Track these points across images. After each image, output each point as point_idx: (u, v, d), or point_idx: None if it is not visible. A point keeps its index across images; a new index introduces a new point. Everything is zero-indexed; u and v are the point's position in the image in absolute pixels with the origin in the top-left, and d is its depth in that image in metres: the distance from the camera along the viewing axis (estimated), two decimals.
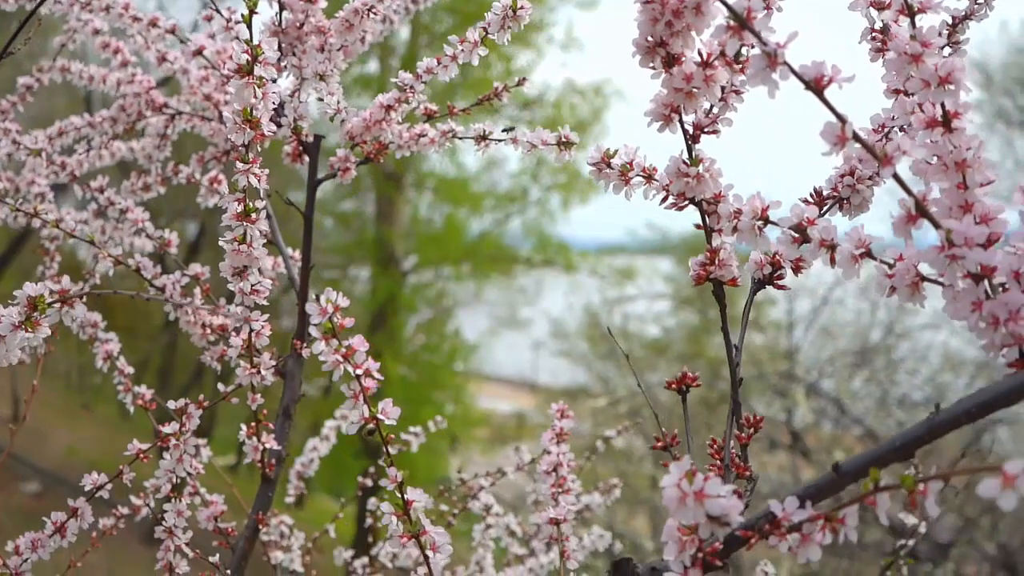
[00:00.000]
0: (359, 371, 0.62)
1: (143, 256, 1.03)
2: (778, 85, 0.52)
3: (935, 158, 0.55)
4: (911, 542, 1.11)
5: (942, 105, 0.54)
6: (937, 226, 0.52)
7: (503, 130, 0.92)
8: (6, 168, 1.27)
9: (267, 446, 0.98)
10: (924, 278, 0.55)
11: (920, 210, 0.52)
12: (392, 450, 0.68)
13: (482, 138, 0.94)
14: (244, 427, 0.98)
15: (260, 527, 1.00)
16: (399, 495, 0.66)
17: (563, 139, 0.83)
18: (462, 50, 0.88)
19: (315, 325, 0.62)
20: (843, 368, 6.09)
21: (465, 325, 11.63)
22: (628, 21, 0.61)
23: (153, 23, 1.12)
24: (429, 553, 0.65)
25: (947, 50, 0.67)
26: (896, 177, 0.52)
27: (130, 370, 1.11)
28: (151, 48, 1.15)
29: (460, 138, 0.95)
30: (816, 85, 0.51)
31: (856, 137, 0.51)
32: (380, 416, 0.64)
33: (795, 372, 5.38)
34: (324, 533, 1.51)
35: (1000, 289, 0.52)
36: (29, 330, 0.69)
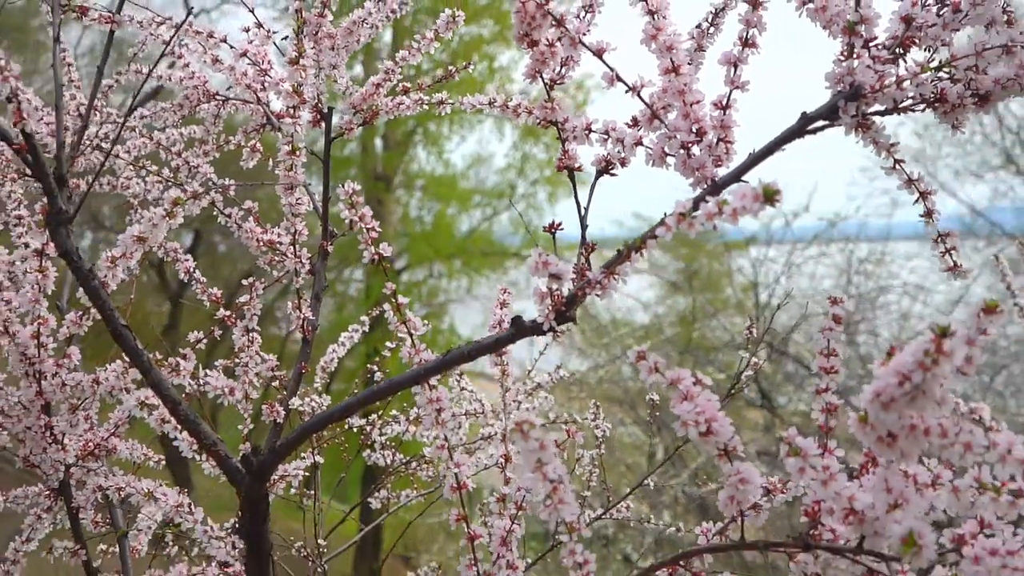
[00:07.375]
0: (368, 226, 1.11)
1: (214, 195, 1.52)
2: (579, 54, 1.00)
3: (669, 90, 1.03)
4: (750, 372, 1.60)
5: (671, 59, 1.02)
6: (662, 122, 1.00)
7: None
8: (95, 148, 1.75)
9: (306, 316, 1.46)
10: (667, 153, 1.03)
11: (654, 115, 1.00)
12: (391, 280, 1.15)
13: (442, 103, 1.44)
14: (289, 303, 1.46)
15: (303, 372, 1.48)
16: (394, 300, 1.14)
17: (492, 100, 1.31)
18: (425, 43, 1.38)
19: (341, 200, 1.10)
20: (809, 328, 6.58)
21: (459, 321, 12.09)
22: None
23: (210, 35, 1.60)
24: (412, 331, 1.13)
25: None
26: (643, 100, 1.00)
27: (204, 280, 1.59)
28: (207, 53, 1.63)
29: (427, 104, 1.44)
30: (598, 53, 1.00)
31: (618, 78, 0.99)
32: (382, 251, 1.12)
33: (757, 334, 5.85)
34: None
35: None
36: (171, 218, 1.16)
